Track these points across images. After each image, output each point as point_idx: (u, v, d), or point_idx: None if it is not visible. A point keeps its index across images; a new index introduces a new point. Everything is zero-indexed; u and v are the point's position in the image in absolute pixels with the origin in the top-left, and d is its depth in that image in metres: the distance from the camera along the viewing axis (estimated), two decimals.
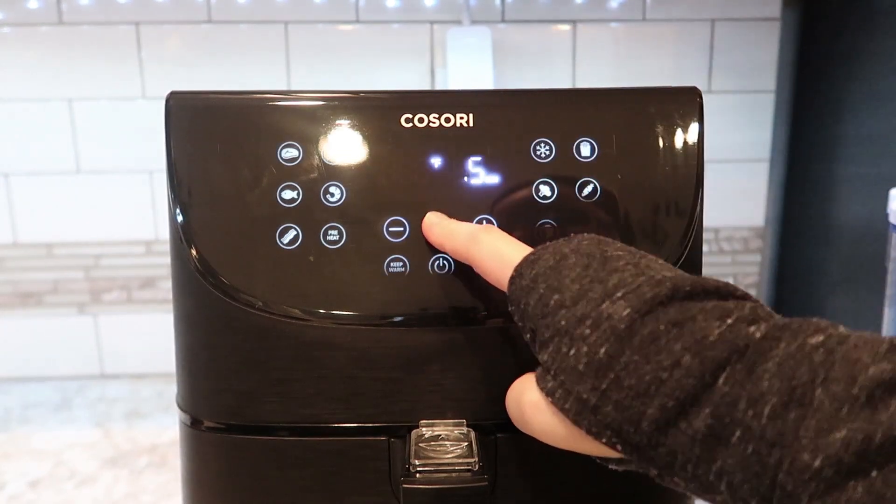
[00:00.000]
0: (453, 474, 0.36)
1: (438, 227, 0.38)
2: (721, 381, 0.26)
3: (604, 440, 0.28)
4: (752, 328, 0.27)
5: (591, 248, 0.32)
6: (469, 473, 0.36)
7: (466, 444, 0.37)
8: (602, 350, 0.28)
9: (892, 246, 0.54)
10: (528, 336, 0.32)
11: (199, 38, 0.84)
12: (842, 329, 0.26)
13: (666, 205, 0.39)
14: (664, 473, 0.28)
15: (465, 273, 0.38)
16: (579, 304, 0.29)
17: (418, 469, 0.36)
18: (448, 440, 0.38)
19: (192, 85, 0.59)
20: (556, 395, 0.30)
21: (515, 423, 0.34)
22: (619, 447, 0.28)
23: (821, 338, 0.25)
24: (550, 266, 0.31)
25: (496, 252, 0.35)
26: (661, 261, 0.32)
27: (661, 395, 0.26)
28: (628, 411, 0.27)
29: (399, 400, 0.38)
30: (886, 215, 0.54)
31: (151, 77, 0.85)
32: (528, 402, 0.32)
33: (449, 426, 0.38)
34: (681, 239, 0.39)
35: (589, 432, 0.28)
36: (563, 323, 0.30)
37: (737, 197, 0.91)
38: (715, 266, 0.94)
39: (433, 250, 0.38)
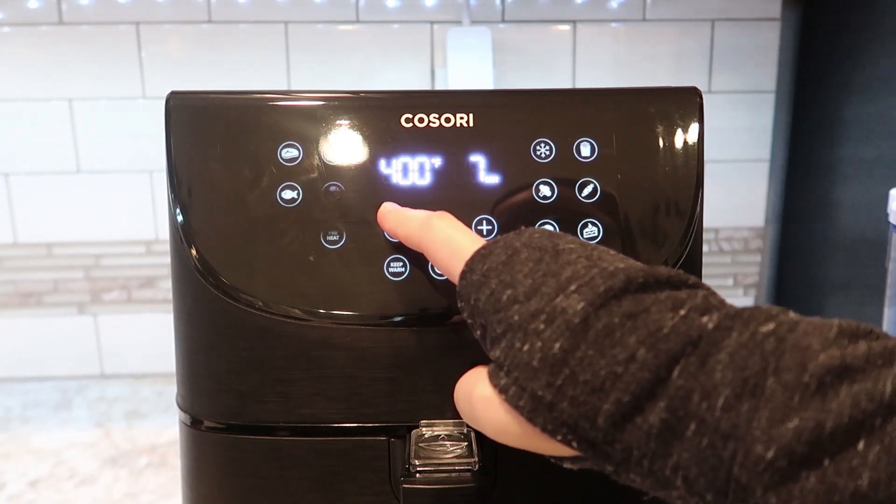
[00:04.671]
0: (453, 474, 0.36)
1: (393, 213, 0.38)
2: (675, 373, 0.25)
3: (559, 437, 0.28)
4: (705, 318, 0.26)
5: (542, 241, 0.31)
6: (469, 473, 0.36)
7: (466, 444, 0.37)
8: (557, 345, 0.27)
9: (892, 246, 0.54)
10: (479, 332, 0.32)
11: (199, 38, 0.84)
12: (792, 315, 0.26)
13: (666, 205, 0.39)
14: (620, 470, 0.27)
15: None
16: (533, 298, 0.29)
17: (418, 469, 0.36)
18: (448, 440, 0.38)
19: (192, 85, 0.59)
20: (510, 391, 0.29)
21: (465, 419, 0.33)
22: (574, 444, 0.27)
23: (772, 325, 0.25)
24: (503, 261, 0.31)
25: (448, 240, 0.34)
26: (612, 251, 0.31)
27: (617, 390, 0.26)
28: (584, 407, 0.27)
29: (399, 400, 0.38)
30: (886, 215, 0.54)
31: (151, 77, 0.85)
32: (479, 397, 0.31)
33: (449, 426, 0.38)
34: (681, 239, 0.39)
35: (544, 430, 0.28)
36: (516, 318, 0.29)
37: (737, 197, 0.91)
38: (715, 266, 0.94)
39: None
